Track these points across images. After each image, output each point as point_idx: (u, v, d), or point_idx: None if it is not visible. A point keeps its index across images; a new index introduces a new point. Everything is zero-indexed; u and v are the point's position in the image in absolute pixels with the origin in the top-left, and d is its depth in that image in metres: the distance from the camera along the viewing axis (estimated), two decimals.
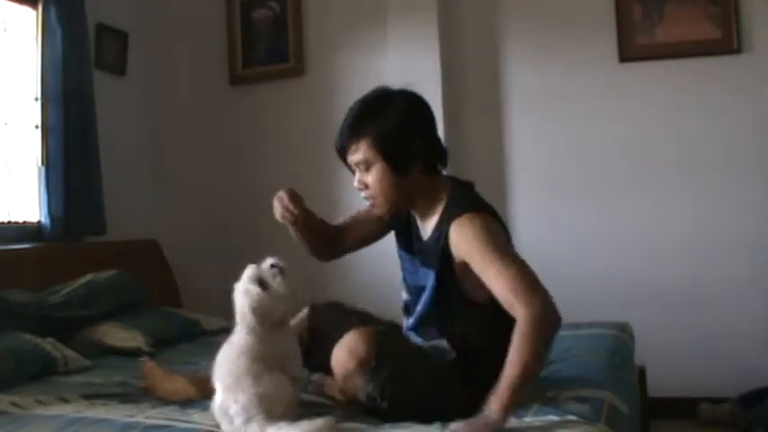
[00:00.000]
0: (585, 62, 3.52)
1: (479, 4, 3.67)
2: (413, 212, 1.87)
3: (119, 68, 3.74)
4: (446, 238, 1.71)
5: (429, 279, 1.78)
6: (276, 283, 1.67)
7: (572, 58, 3.54)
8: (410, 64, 3.48)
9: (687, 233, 3.38)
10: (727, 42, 3.30)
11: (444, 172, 1.89)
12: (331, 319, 2.03)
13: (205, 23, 4.02)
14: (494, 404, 1.49)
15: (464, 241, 1.66)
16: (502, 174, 3.60)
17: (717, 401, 3.19)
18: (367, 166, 1.76)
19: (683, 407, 3.23)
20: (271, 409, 1.57)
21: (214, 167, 4.00)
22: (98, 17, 3.54)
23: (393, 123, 1.73)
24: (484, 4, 3.66)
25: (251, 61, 3.94)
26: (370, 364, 1.65)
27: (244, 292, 1.67)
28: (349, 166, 1.83)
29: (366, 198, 1.83)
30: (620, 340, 2.48)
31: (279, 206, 1.90)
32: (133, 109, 3.88)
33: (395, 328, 1.93)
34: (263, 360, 1.64)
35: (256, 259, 1.73)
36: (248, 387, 1.60)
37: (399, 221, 1.93)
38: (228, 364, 1.66)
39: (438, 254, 1.73)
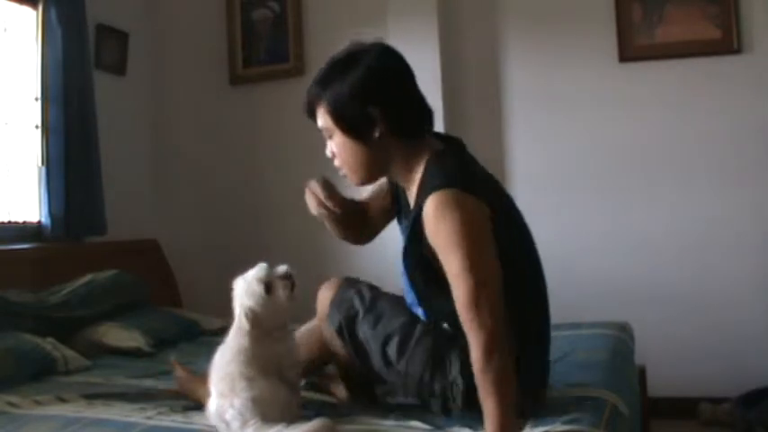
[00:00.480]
0: (585, 62, 3.52)
1: (479, 4, 3.66)
2: (396, 180, 1.73)
3: (119, 68, 3.75)
4: (420, 214, 1.56)
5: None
6: (283, 293, 1.64)
7: (572, 58, 3.54)
8: (410, 64, 3.47)
9: (687, 233, 3.38)
10: (727, 42, 3.30)
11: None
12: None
13: (205, 23, 4.01)
14: None
15: (431, 225, 1.52)
16: (502, 174, 3.59)
17: (717, 401, 3.18)
18: (329, 133, 1.65)
19: (683, 407, 3.23)
20: (266, 413, 1.56)
21: (214, 167, 4.00)
22: (98, 17, 3.54)
23: (345, 89, 1.59)
24: (484, 3, 3.66)
25: (251, 61, 3.93)
26: (337, 297, 1.76)
27: (248, 291, 1.65)
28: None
29: (337, 168, 1.72)
30: (620, 340, 2.48)
31: (313, 200, 1.76)
32: (133, 109, 3.88)
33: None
34: (259, 363, 1.63)
35: (255, 260, 1.71)
36: (242, 391, 1.59)
37: (398, 189, 1.77)
38: (223, 367, 1.66)
39: (410, 228, 1.60)
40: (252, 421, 1.56)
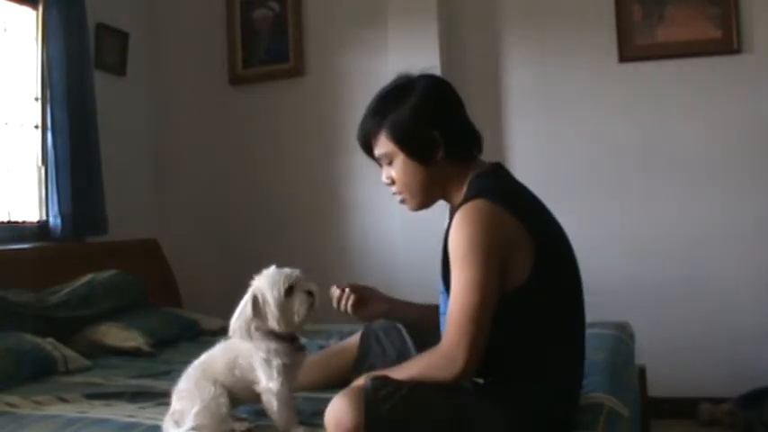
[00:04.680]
0: (585, 62, 3.52)
1: (479, 4, 3.66)
2: (450, 203, 1.72)
3: (119, 68, 3.75)
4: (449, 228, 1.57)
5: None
6: (300, 307, 1.64)
7: (572, 58, 3.54)
8: (410, 64, 3.42)
9: (686, 233, 3.38)
10: (727, 42, 3.30)
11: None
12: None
13: (205, 23, 4.01)
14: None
15: (452, 234, 1.53)
16: None
17: (717, 401, 3.19)
18: (389, 159, 1.68)
19: (683, 407, 3.23)
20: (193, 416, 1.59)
21: (214, 167, 4.00)
22: (98, 17, 3.54)
23: (407, 114, 1.64)
24: (484, 4, 3.66)
25: (251, 61, 3.93)
26: None
27: (271, 281, 1.63)
28: (377, 161, 1.74)
29: (395, 194, 1.74)
30: (620, 340, 2.48)
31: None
32: (133, 109, 3.88)
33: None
34: (217, 368, 1.66)
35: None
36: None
37: None
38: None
39: (443, 246, 1.59)
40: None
